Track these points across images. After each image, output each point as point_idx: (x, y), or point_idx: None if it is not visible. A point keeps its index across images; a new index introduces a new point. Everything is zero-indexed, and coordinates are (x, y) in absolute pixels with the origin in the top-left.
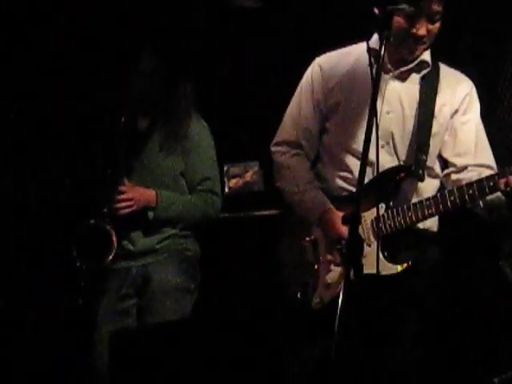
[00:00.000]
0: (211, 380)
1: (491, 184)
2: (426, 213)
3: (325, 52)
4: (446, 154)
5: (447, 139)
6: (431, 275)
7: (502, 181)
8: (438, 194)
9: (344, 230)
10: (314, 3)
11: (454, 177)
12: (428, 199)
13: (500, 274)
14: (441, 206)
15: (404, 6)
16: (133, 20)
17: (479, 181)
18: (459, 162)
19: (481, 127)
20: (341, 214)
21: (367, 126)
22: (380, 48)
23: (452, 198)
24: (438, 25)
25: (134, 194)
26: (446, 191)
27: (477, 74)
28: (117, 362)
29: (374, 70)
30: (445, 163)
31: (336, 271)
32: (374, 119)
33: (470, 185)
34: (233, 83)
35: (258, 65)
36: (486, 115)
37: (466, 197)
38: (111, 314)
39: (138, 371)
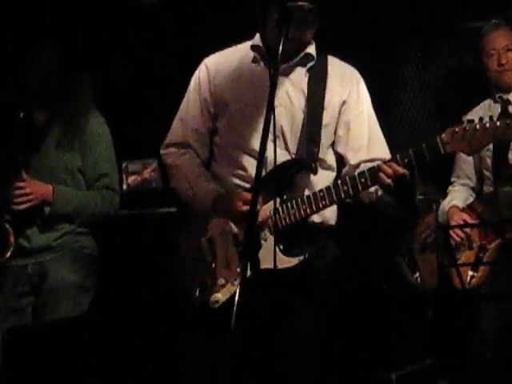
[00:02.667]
0: (106, 376)
1: (380, 172)
2: (321, 204)
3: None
4: (341, 150)
5: (341, 134)
6: (328, 269)
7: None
8: (331, 185)
9: (242, 205)
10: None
11: (350, 175)
12: (321, 190)
13: (397, 270)
14: (334, 197)
15: (304, 3)
16: (28, 12)
17: (371, 168)
18: (353, 158)
19: (373, 119)
20: (236, 192)
21: (265, 122)
22: (279, 44)
23: (345, 188)
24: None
25: (32, 189)
26: (338, 181)
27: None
28: (10, 360)
29: (258, 67)
30: (340, 159)
31: (232, 269)
32: (271, 115)
33: (362, 173)
34: (132, 79)
35: (157, 61)
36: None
37: (359, 185)
38: (6, 312)
39: (33, 369)
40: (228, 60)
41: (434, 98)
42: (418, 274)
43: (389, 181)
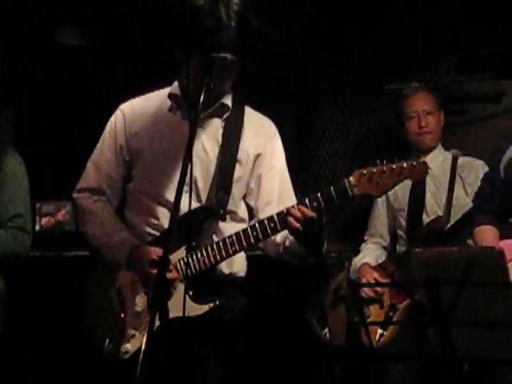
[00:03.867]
0: None
1: (288, 216)
2: (230, 250)
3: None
4: (251, 202)
5: (252, 187)
6: (237, 320)
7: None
8: (241, 231)
9: (152, 271)
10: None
11: (259, 220)
12: (230, 236)
13: (307, 325)
14: (244, 242)
15: (227, 54)
16: None
17: (280, 213)
18: (263, 212)
19: (286, 174)
20: (149, 248)
21: (181, 173)
22: (199, 94)
23: (254, 233)
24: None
25: None
26: (247, 227)
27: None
28: None
29: (175, 116)
30: (251, 212)
31: (141, 319)
32: (187, 166)
33: (271, 217)
34: (49, 120)
35: (76, 103)
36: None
37: (268, 230)
38: None
39: None
40: (145, 107)
41: (353, 156)
42: (327, 330)
43: (298, 225)
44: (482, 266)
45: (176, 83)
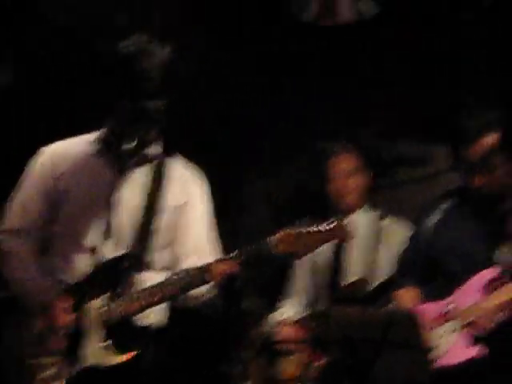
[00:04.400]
0: None
1: (212, 271)
2: (153, 300)
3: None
4: (175, 251)
5: (176, 236)
6: (154, 371)
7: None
8: (165, 280)
9: (68, 319)
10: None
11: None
12: (154, 286)
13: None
14: (167, 293)
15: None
16: None
17: (206, 265)
18: (187, 262)
19: (210, 225)
20: (68, 301)
21: (106, 221)
22: (125, 142)
23: (178, 286)
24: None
25: None
26: (172, 276)
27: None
28: None
29: (100, 162)
30: (173, 261)
31: (53, 368)
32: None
33: (194, 269)
34: None
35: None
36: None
37: (192, 283)
38: None
39: None
40: (69, 150)
41: (277, 212)
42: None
43: (219, 279)
44: (400, 327)
45: (103, 130)
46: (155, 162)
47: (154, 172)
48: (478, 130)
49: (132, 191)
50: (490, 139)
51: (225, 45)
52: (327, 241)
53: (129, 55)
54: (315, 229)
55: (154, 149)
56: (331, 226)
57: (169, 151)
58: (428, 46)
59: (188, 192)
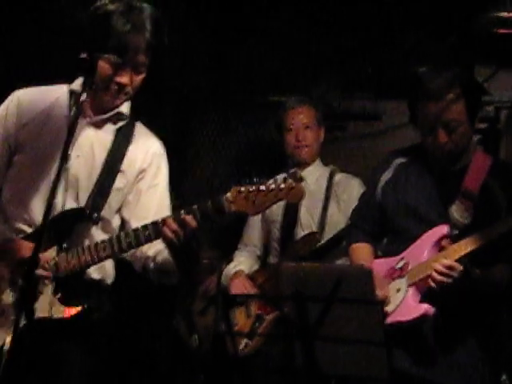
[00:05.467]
0: None
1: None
2: (102, 255)
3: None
4: (126, 214)
5: (131, 200)
6: (103, 324)
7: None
8: (114, 236)
9: (23, 253)
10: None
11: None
12: (103, 241)
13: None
14: (116, 248)
15: (110, 55)
16: None
17: (155, 222)
18: (135, 225)
19: (166, 194)
20: (21, 243)
21: (58, 170)
22: (82, 92)
23: (128, 240)
24: (141, 76)
25: None
26: (121, 233)
27: None
28: None
29: (70, 114)
30: (123, 225)
31: (8, 317)
32: (63, 163)
33: (145, 226)
34: None
35: None
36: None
37: (142, 238)
38: None
39: None
40: (40, 99)
41: (231, 167)
42: (195, 337)
43: (172, 235)
44: (351, 284)
45: (79, 80)
46: (124, 122)
47: (121, 132)
48: (441, 88)
49: (97, 147)
50: (453, 95)
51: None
52: (278, 200)
53: (117, 10)
54: (271, 186)
55: (126, 109)
56: (286, 185)
57: (134, 116)
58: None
59: (149, 158)
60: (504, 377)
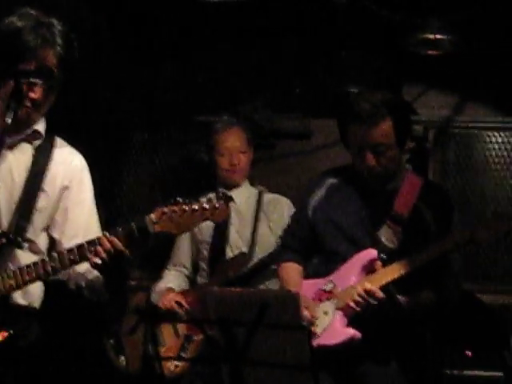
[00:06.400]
0: None
1: (91, 248)
2: (26, 278)
3: None
4: (55, 235)
5: (58, 219)
6: (32, 348)
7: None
8: (39, 260)
9: None
10: None
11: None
12: (29, 266)
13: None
14: (42, 272)
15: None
16: None
17: (80, 245)
18: (67, 245)
19: (93, 208)
20: None
21: None
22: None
23: (53, 264)
24: (54, 91)
25: None
26: (45, 257)
27: None
28: None
29: None
30: (53, 245)
31: None
32: None
33: (71, 250)
34: None
35: None
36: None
37: (67, 261)
38: None
39: None
40: None
41: (157, 188)
42: (123, 358)
43: (96, 259)
44: (277, 309)
45: None
46: (40, 140)
47: (39, 151)
48: (369, 111)
49: (15, 169)
50: (382, 121)
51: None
52: (204, 220)
53: (26, 26)
54: (195, 206)
55: (41, 127)
56: (210, 206)
57: (51, 133)
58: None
59: (71, 174)
60: None
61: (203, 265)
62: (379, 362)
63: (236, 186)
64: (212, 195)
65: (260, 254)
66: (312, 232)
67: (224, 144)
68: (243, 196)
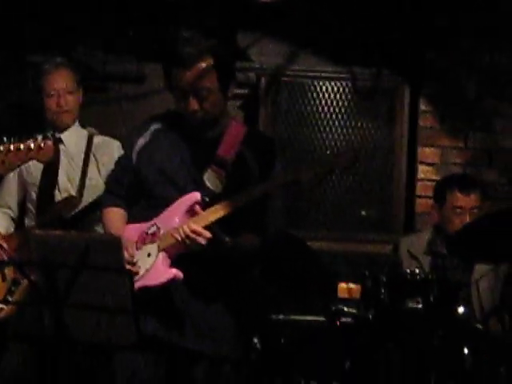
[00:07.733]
0: None
1: None
2: None
3: None
4: None
5: None
6: None
7: None
8: None
9: None
10: None
11: None
12: None
13: None
14: None
15: None
16: None
17: None
18: None
19: None
20: None
21: None
22: None
23: None
24: None
25: None
26: None
27: None
28: None
29: None
30: None
31: None
32: None
33: None
34: None
35: None
36: None
37: None
38: None
39: None
40: None
41: None
42: None
43: None
44: (100, 252)
45: None
46: None
47: None
48: (193, 56)
49: None
50: (204, 64)
51: None
52: (29, 159)
53: None
54: (20, 146)
55: None
56: (35, 145)
57: None
58: None
59: None
60: (255, 340)
61: (31, 207)
62: (205, 302)
63: (65, 128)
64: (39, 136)
65: (89, 197)
66: (136, 177)
67: (51, 85)
68: (73, 138)
